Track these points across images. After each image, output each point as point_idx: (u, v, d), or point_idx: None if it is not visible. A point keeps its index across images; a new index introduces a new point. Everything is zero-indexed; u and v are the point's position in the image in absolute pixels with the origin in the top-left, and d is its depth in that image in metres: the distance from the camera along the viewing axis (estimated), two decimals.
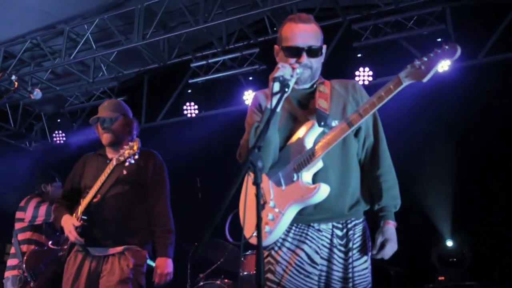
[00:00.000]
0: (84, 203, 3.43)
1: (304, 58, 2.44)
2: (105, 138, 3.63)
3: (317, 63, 2.52)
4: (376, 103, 2.20)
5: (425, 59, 2.09)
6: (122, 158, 3.28)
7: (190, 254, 5.71)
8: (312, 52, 2.47)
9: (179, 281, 6.09)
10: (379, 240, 2.38)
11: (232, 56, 7.35)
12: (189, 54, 7.53)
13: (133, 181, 3.54)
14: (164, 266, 3.45)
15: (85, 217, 3.39)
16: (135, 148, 3.25)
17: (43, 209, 4.94)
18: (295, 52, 2.46)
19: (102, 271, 3.37)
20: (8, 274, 4.83)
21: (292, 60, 2.44)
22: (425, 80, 2.09)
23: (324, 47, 2.57)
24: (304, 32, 2.48)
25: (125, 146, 3.34)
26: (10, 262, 4.92)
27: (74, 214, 3.48)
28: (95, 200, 3.44)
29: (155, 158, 3.71)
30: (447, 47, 2.04)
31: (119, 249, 3.40)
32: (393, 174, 2.51)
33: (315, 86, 2.56)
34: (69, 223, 3.40)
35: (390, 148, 2.56)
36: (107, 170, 3.39)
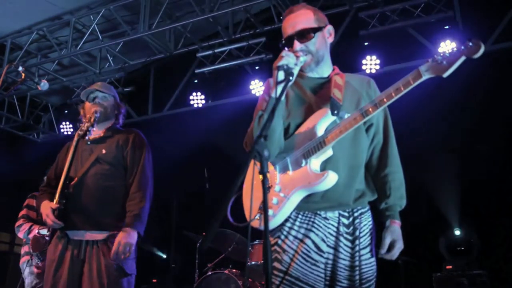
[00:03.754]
0: (60, 185, 3.33)
1: (297, 45, 2.43)
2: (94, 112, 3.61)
3: (314, 45, 2.47)
4: (394, 95, 2.18)
5: (447, 54, 2.08)
6: (81, 132, 3.39)
7: (198, 244, 5.74)
8: (302, 35, 2.45)
9: (188, 270, 6.14)
10: (388, 240, 2.38)
11: (238, 46, 7.31)
12: (195, 44, 7.50)
13: (112, 160, 3.47)
14: (121, 235, 3.22)
15: (62, 200, 3.29)
16: (91, 120, 3.41)
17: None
18: (289, 43, 2.47)
19: (85, 259, 3.25)
20: (23, 260, 5.01)
21: (297, 47, 2.43)
22: (445, 75, 2.08)
23: (328, 28, 2.54)
24: (292, 21, 2.49)
25: (84, 120, 3.47)
26: (24, 249, 5.07)
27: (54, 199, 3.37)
28: (73, 182, 3.38)
29: (135, 135, 3.64)
30: (470, 43, 2.02)
31: (100, 236, 3.29)
32: (401, 173, 2.51)
33: (330, 76, 2.54)
34: (47, 207, 3.31)
35: (396, 138, 2.55)
36: (72, 147, 3.41)
